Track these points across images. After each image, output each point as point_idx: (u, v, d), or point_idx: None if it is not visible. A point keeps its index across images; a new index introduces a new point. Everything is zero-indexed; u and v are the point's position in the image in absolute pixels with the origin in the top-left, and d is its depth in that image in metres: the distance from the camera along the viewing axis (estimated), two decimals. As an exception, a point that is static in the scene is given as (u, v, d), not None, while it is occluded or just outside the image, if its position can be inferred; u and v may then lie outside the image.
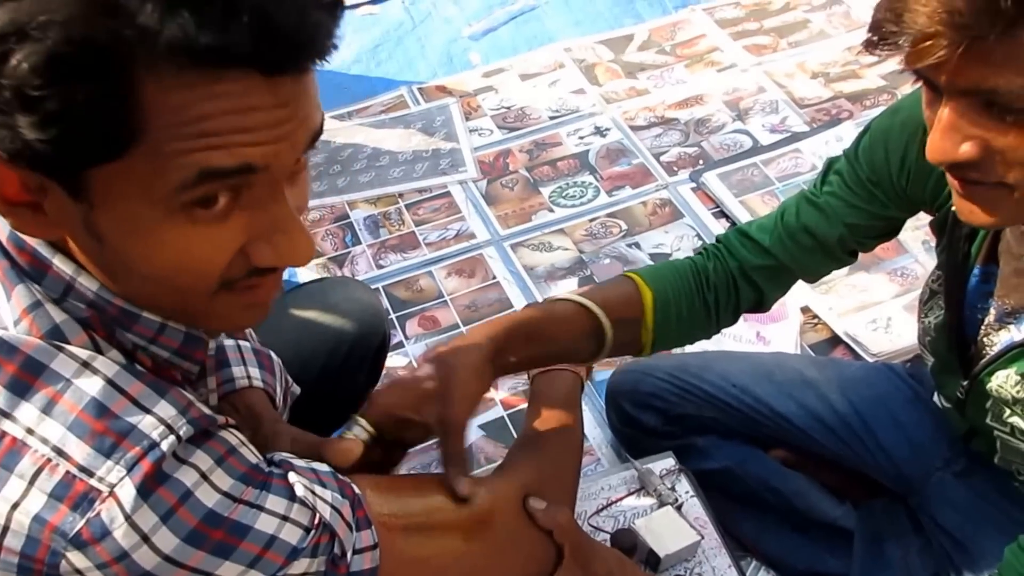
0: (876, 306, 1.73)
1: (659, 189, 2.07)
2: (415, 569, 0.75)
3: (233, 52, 0.51)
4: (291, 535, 0.64)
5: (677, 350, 1.49)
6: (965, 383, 1.01)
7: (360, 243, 2.00)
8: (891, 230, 1.07)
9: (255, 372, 0.95)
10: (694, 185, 2.06)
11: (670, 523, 1.30)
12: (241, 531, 0.61)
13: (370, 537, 0.71)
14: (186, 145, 0.53)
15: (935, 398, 1.19)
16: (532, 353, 0.98)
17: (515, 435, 1.58)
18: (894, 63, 0.70)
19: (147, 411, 0.59)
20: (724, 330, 1.18)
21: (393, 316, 1.84)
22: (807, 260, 1.08)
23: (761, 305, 1.13)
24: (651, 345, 1.08)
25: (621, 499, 1.40)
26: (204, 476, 0.59)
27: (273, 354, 1.00)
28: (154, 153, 0.53)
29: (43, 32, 0.48)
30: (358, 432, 0.88)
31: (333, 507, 0.67)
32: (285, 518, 0.63)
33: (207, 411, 0.62)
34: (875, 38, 0.69)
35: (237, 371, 0.93)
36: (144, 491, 0.57)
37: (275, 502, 0.63)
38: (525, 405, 1.61)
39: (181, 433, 0.59)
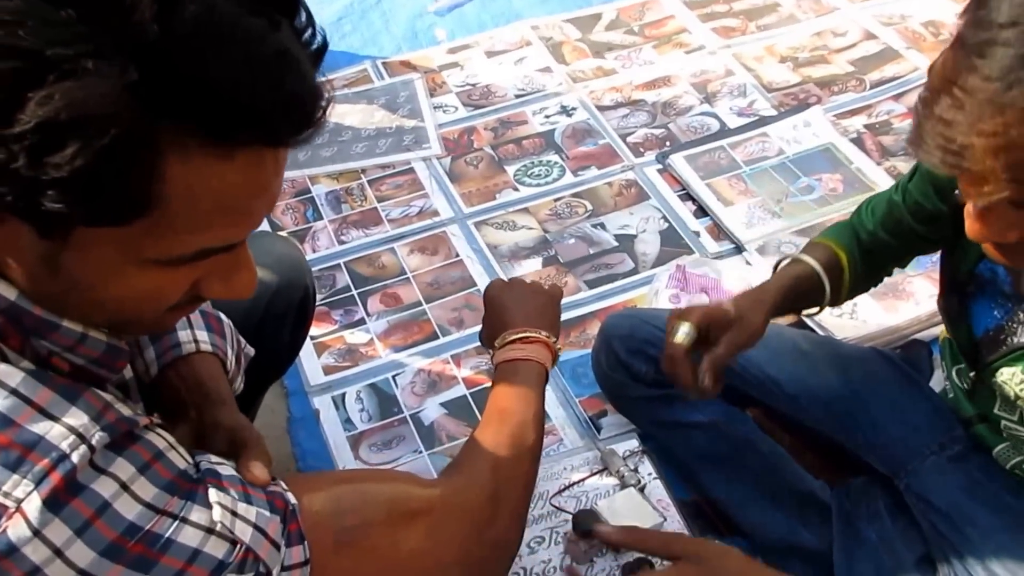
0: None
1: (625, 170, 2.05)
2: None
3: (264, 122, 0.52)
4: (216, 549, 0.61)
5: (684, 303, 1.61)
6: (972, 374, 1.04)
7: (322, 218, 1.97)
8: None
9: (203, 336, 0.90)
10: (660, 167, 2.05)
11: (633, 504, 1.29)
12: (163, 544, 0.58)
13: (301, 553, 0.67)
14: (196, 223, 0.54)
15: (944, 380, 1.20)
16: (782, 314, 1.17)
17: (477, 414, 1.57)
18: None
19: (56, 420, 0.56)
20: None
21: (355, 292, 1.81)
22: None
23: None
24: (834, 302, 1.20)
25: (583, 479, 1.39)
26: (124, 486, 0.57)
27: (222, 315, 0.95)
28: (159, 224, 0.53)
29: (100, 128, 0.48)
30: (685, 331, 1.05)
31: (257, 527, 0.64)
32: (211, 531, 0.61)
33: (127, 413, 0.60)
34: (922, 153, 0.72)
35: (183, 335, 0.88)
36: (54, 504, 0.54)
37: (201, 514, 0.61)
38: (487, 385, 1.61)
39: (94, 442, 0.57)
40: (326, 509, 0.70)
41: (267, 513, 0.65)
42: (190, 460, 0.64)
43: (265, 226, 1.98)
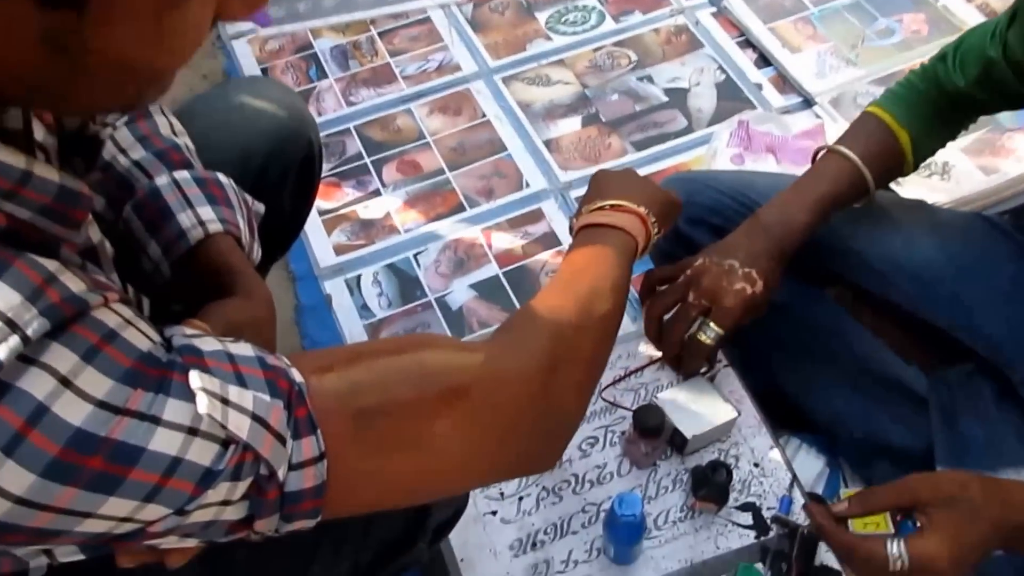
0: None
1: (674, 14, 1.84)
2: (375, 479, 0.57)
3: None
4: (203, 453, 0.48)
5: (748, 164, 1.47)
6: None
7: (327, 77, 1.78)
8: None
9: (207, 212, 0.75)
10: (715, 10, 1.84)
11: (701, 396, 1.10)
12: (127, 455, 0.45)
13: (314, 446, 0.52)
14: None
15: None
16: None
17: (513, 297, 1.42)
18: None
19: None
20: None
21: (368, 160, 1.62)
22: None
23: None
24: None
25: (641, 369, 1.19)
26: (65, 381, 0.44)
27: (220, 175, 0.79)
28: None
29: None
30: (715, 334, 1.00)
31: (256, 417, 0.50)
32: (194, 430, 0.47)
33: (78, 288, 0.46)
34: None
35: (185, 219, 0.74)
36: None
37: (178, 408, 0.47)
38: (524, 263, 1.46)
39: (30, 332, 0.43)
40: (341, 388, 0.56)
41: (267, 398, 0.51)
42: (157, 338, 0.49)
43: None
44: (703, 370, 1.12)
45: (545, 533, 1.06)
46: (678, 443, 1.10)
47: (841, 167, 1.03)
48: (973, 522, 0.76)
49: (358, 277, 1.45)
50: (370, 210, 1.54)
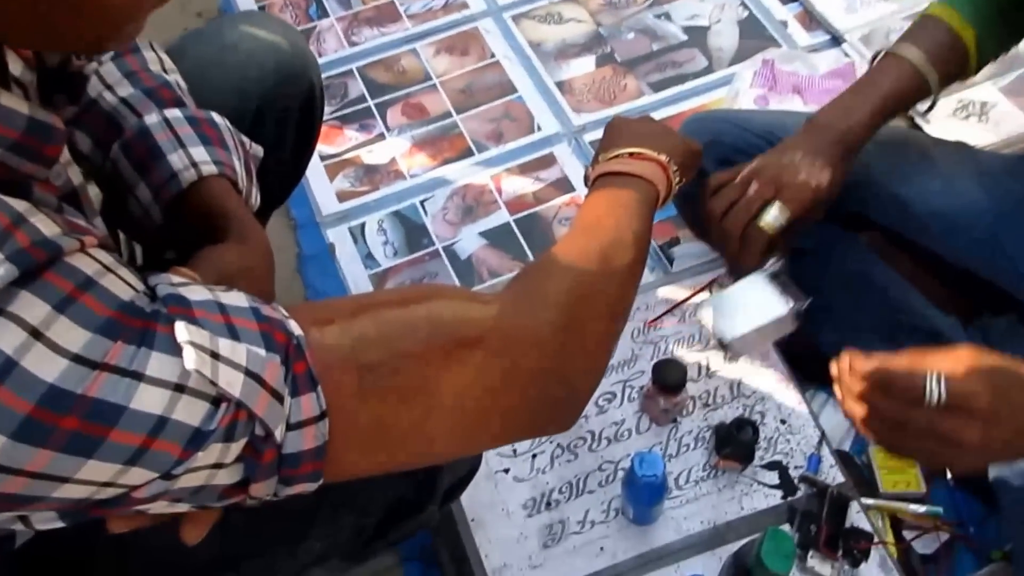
0: (965, 90, 1.41)
1: None
2: (380, 440, 0.53)
3: None
4: (191, 412, 0.44)
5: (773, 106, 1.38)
6: None
7: (328, 15, 1.69)
8: None
9: (200, 153, 0.70)
10: None
11: (754, 295, 0.95)
12: (108, 414, 0.42)
13: (314, 404, 0.48)
14: None
15: None
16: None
17: (524, 245, 1.35)
18: None
19: None
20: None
21: (371, 103, 1.54)
22: None
23: None
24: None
25: (658, 319, 1.13)
26: (36, 333, 0.40)
27: (214, 114, 0.73)
28: None
29: None
30: (777, 216, 0.92)
31: (249, 373, 0.46)
32: (180, 387, 0.43)
33: (51, 232, 0.42)
34: None
35: (176, 160, 0.69)
36: None
37: (163, 363, 0.43)
38: (536, 209, 1.39)
39: None
40: (344, 341, 0.51)
41: (261, 352, 0.46)
42: (141, 286, 0.45)
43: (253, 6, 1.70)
44: (765, 264, 0.97)
45: (560, 492, 1.01)
46: (723, 349, 1.02)
47: (902, 68, 0.96)
48: (1017, 387, 0.67)
49: (362, 225, 1.38)
50: (374, 155, 1.46)
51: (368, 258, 1.34)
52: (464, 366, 0.54)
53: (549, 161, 1.44)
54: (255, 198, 0.76)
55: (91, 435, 0.41)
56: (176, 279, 0.48)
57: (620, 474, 1.01)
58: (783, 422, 1.05)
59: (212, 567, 0.70)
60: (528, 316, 0.57)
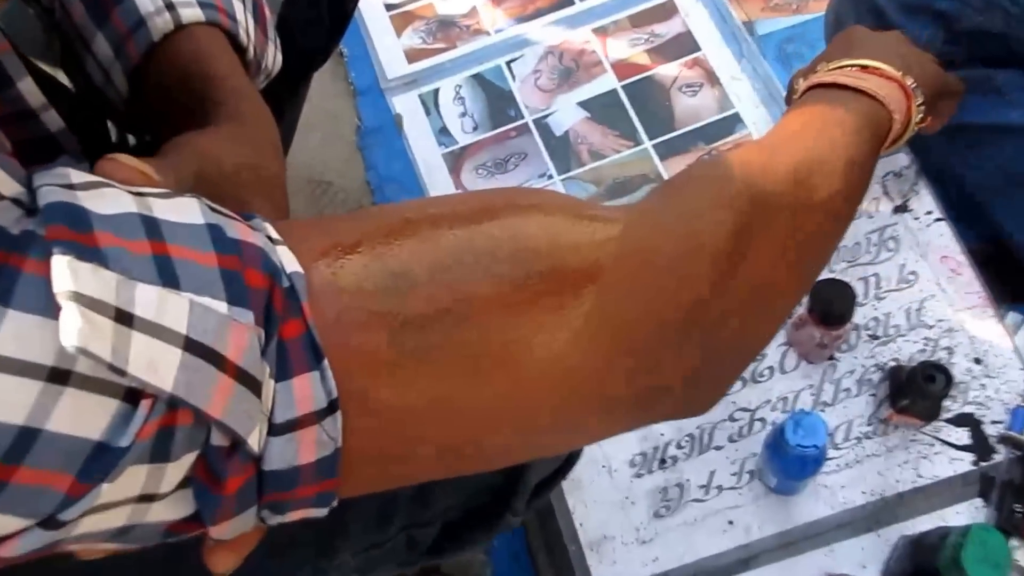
0: None
1: None
2: (424, 439, 0.36)
3: None
4: (82, 417, 0.28)
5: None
6: None
7: None
8: None
9: None
10: None
11: None
12: None
13: (317, 390, 0.32)
14: None
15: None
16: None
17: (635, 120, 1.18)
18: None
19: None
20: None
21: None
22: None
23: None
24: None
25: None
26: None
27: None
28: None
29: None
30: None
31: (192, 344, 0.29)
32: (60, 374, 0.28)
33: None
34: None
35: (144, 1, 0.50)
36: None
37: (27, 331, 0.27)
38: (649, 73, 1.20)
39: None
40: (371, 282, 0.34)
41: (219, 306, 0.30)
42: (10, 190, 0.29)
43: None
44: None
45: (678, 447, 0.83)
46: None
47: None
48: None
49: (435, 91, 1.24)
50: (450, 5, 1.31)
51: (442, 133, 1.21)
52: (565, 316, 0.37)
53: (668, 11, 1.24)
54: (271, 59, 0.56)
55: None
56: (83, 177, 0.30)
57: (757, 426, 0.81)
58: (977, 361, 0.84)
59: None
60: (671, 242, 0.40)
